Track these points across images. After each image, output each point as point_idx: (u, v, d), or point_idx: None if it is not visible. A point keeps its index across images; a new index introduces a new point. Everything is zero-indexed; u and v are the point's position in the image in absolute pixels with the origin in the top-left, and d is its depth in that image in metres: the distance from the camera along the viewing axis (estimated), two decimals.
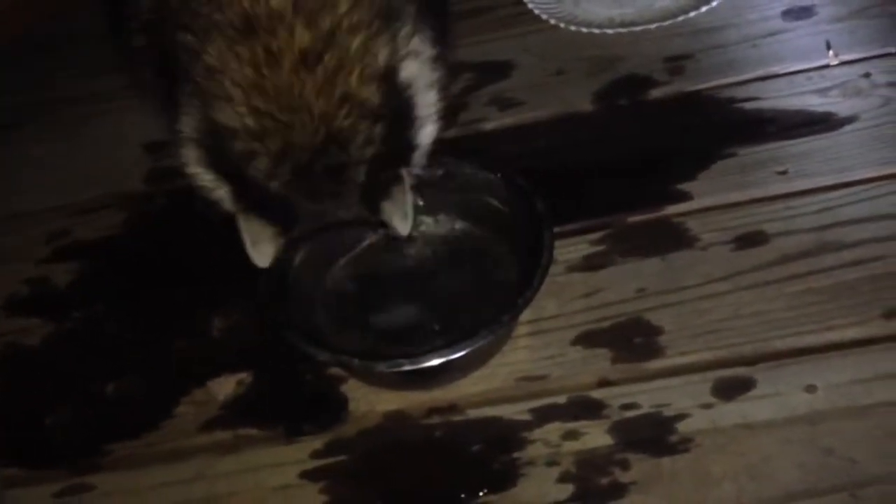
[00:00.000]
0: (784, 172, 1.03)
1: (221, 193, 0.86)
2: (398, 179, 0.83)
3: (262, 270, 0.95)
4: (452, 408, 0.92)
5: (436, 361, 0.87)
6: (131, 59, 1.00)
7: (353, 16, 0.80)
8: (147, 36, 0.94)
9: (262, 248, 0.84)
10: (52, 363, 1.05)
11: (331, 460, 0.91)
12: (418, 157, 0.87)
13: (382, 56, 0.81)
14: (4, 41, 1.38)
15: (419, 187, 0.89)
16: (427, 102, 0.86)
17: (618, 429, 0.87)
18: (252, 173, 0.81)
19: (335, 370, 0.97)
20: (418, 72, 0.85)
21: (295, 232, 0.84)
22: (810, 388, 0.85)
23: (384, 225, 0.85)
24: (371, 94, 0.80)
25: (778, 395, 0.86)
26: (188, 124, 0.85)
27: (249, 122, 0.80)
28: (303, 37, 0.79)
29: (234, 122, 0.80)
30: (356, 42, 0.80)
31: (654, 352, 0.92)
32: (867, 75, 1.10)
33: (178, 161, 0.87)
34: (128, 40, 0.96)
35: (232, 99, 0.80)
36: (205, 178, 0.87)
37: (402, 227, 0.84)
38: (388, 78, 0.82)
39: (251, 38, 0.79)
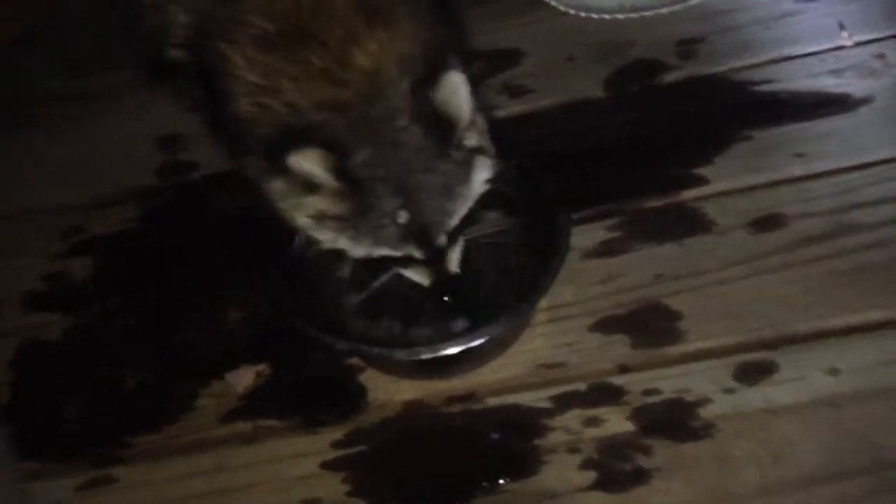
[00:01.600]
0: (801, 155, 1.02)
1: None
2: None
3: (278, 261, 0.95)
4: (471, 396, 0.92)
5: (454, 350, 0.87)
6: (157, 68, 1.00)
7: None
8: (188, 52, 0.93)
9: None
10: (71, 357, 1.06)
11: (351, 450, 0.91)
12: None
13: None
14: (13, 38, 1.38)
15: None
16: None
17: (639, 415, 0.87)
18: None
19: (353, 360, 0.97)
20: None
21: None
22: (833, 371, 0.85)
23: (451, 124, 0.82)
24: None
25: (800, 379, 0.85)
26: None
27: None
28: None
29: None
30: None
31: (674, 337, 0.91)
32: (881, 56, 1.09)
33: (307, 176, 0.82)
34: (157, 52, 0.96)
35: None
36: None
37: (465, 111, 0.81)
38: None
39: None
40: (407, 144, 0.81)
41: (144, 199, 1.18)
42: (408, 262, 0.86)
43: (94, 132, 1.27)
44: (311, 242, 0.92)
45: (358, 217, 0.81)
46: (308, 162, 0.78)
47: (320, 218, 0.83)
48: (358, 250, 0.84)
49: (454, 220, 0.85)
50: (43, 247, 1.16)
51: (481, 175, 0.86)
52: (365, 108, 0.80)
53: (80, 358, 1.05)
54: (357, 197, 0.81)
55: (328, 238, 0.85)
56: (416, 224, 0.82)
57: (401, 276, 0.90)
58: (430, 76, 0.81)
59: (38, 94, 1.34)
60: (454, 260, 0.87)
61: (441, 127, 0.82)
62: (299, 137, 0.78)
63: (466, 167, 0.84)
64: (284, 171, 0.81)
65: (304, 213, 0.84)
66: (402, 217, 0.81)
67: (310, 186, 0.81)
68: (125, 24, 1.02)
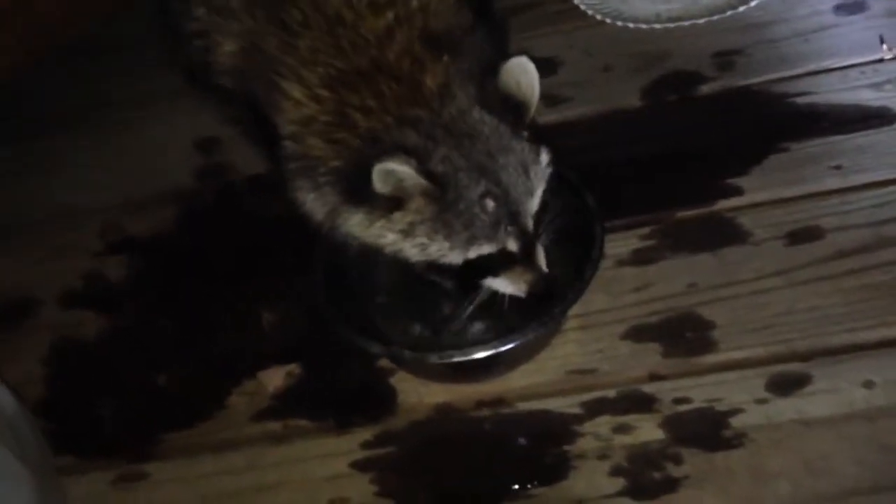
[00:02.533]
0: (839, 167, 1.01)
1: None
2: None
3: (314, 265, 0.96)
4: (501, 401, 0.92)
5: (486, 353, 0.87)
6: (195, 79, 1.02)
7: None
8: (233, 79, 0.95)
9: None
10: (107, 355, 1.07)
11: (380, 451, 0.91)
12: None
13: None
14: (58, 46, 1.41)
15: None
16: None
17: (670, 423, 0.86)
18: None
19: (384, 362, 0.97)
20: None
21: None
22: (868, 384, 0.84)
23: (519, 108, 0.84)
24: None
25: (835, 391, 0.84)
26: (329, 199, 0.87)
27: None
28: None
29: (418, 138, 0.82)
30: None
31: (707, 346, 0.91)
32: None
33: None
34: (203, 75, 0.98)
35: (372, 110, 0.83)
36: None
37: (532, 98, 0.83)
38: None
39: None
40: (482, 132, 0.83)
41: (182, 201, 1.20)
42: (503, 260, 0.85)
43: (133, 136, 1.29)
44: (345, 244, 0.93)
45: (448, 213, 0.82)
46: (394, 164, 0.78)
47: (409, 231, 0.83)
48: (453, 255, 0.83)
49: (536, 201, 0.85)
50: (81, 246, 1.18)
51: (546, 156, 0.87)
52: (437, 114, 0.82)
53: (115, 356, 1.07)
54: (444, 193, 0.81)
55: (419, 248, 0.84)
56: (504, 204, 0.82)
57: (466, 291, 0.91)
58: (493, 68, 0.83)
59: (81, 99, 1.36)
60: (542, 256, 0.87)
61: (512, 109, 0.84)
62: (379, 153, 0.79)
63: (536, 147, 0.86)
64: (363, 202, 0.83)
65: (391, 233, 0.84)
66: (490, 200, 0.82)
67: (394, 203, 0.82)
68: (173, 43, 1.04)
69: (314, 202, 0.89)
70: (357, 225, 0.85)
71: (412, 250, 0.84)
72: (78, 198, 1.24)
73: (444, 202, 0.81)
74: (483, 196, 0.81)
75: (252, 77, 0.91)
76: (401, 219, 0.83)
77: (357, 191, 0.82)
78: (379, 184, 0.79)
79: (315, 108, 0.85)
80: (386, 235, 0.84)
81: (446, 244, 0.83)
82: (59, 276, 1.16)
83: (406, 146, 0.80)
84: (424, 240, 0.83)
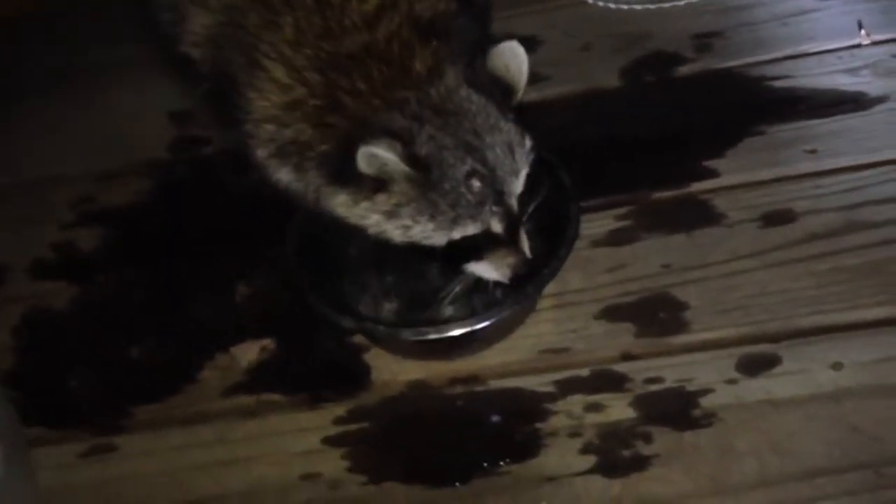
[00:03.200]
0: (813, 151, 1.02)
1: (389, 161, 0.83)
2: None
3: (289, 238, 0.96)
4: (475, 378, 0.92)
5: (460, 331, 0.87)
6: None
7: None
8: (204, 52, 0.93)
9: None
10: (78, 326, 1.06)
11: (353, 427, 0.91)
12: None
13: None
14: (28, 10, 1.38)
15: None
16: None
17: (641, 402, 0.87)
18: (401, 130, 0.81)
19: (358, 338, 0.97)
20: None
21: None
22: (836, 366, 0.85)
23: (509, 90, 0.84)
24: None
25: (803, 372, 0.85)
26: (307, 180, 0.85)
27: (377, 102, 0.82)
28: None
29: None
30: None
31: (679, 327, 0.91)
32: None
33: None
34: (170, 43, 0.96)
35: (359, 94, 0.82)
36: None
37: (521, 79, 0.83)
38: None
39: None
40: (469, 111, 0.82)
41: (156, 173, 1.19)
42: (487, 242, 0.84)
43: (106, 105, 1.27)
44: (320, 219, 0.93)
45: (433, 193, 0.81)
46: (378, 150, 0.77)
47: (393, 212, 0.82)
48: (437, 236, 0.83)
49: (521, 182, 0.84)
50: (52, 216, 1.17)
51: (530, 141, 0.87)
52: (425, 94, 0.81)
53: (86, 327, 1.06)
54: (429, 174, 0.80)
55: (402, 230, 0.83)
56: (490, 184, 0.81)
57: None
58: (481, 50, 0.83)
59: (57, 65, 1.34)
60: (526, 241, 0.87)
61: (501, 90, 0.83)
62: (365, 136, 0.79)
63: (521, 128, 0.86)
64: (348, 183, 0.82)
65: (375, 214, 0.83)
66: (476, 180, 0.81)
67: (379, 184, 0.81)
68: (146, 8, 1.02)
69: (297, 184, 0.87)
70: (341, 205, 0.84)
71: (395, 232, 0.84)
72: (47, 168, 1.22)
73: (428, 184, 0.80)
74: (469, 175, 0.81)
75: (227, 53, 0.89)
76: (385, 201, 0.82)
77: (342, 172, 0.81)
78: (363, 165, 0.79)
79: (303, 92, 0.83)
80: (370, 216, 0.83)
81: (430, 225, 0.82)
82: (30, 246, 1.14)
83: (392, 129, 0.80)
84: (408, 221, 0.83)
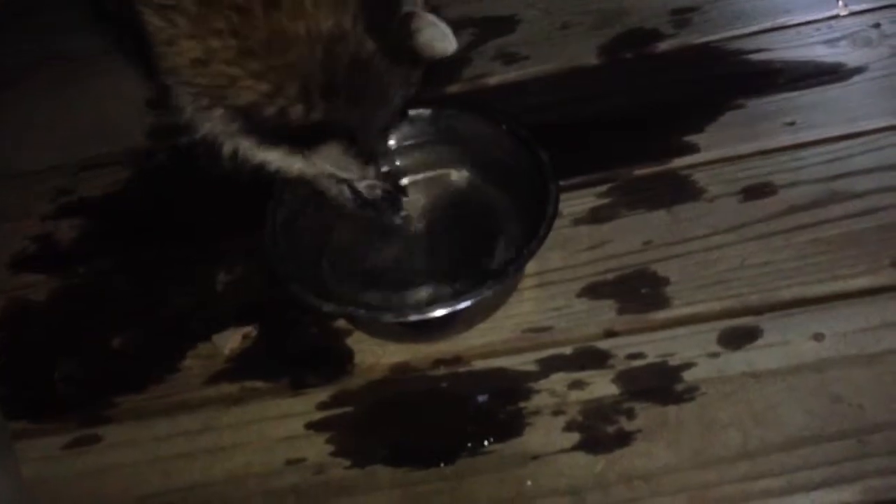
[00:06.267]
0: (792, 123, 1.02)
1: (287, 159, 0.87)
2: (408, 17, 0.80)
3: (267, 224, 0.95)
4: (458, 359, 0.92)
5: (441, 312, 0.87)
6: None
7: None
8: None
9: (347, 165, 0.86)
10: (59, 318, 1.05)
11: (337, 411, 0.91)
12: None
13: None
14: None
15: None
16: None
17: (623, 378, 0.87)
18: (295, 123, 0.81)
19: (340, 323, 0.97)
20: None
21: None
22: (818, 337, 0.85)
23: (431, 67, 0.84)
24: None
25: (785, 344, 0.85)
26: (216, 126, 0.85)
27: (262, 87, 0.80)
28: None
29: (252, 95, 0.81)
30: None
31: (661, 302, 0.91)
32: (877, 25, 1.09)
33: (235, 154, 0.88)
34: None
35: (236, 79, 0.80)
36: (269, 155, 0.87)
37: (449, 43, 0.81)
38: None
39: (216, 5, 0.78)
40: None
41: (135, 162, 1.18)
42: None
43: (82, 94, 1.26)
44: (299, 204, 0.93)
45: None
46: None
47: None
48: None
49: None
50: (31, 208, 1.16)
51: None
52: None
53: (67, 319, 1.05)
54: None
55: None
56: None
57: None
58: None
59: (30, 57, 1.33)
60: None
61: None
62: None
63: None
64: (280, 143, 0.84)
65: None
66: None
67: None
68: None
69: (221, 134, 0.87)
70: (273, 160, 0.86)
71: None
72: (24, 160, 1.21)
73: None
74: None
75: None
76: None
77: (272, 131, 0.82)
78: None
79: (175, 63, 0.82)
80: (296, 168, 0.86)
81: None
82: (9, 239, 1.13)
83: (294, 117, 0.80)
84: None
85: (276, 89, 0.80)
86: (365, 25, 0.80)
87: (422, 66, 0.84)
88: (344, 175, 0.89)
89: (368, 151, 0.86)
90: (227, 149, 0.88)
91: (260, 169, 0.90)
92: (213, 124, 0.85)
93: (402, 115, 0.91)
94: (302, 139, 0.82)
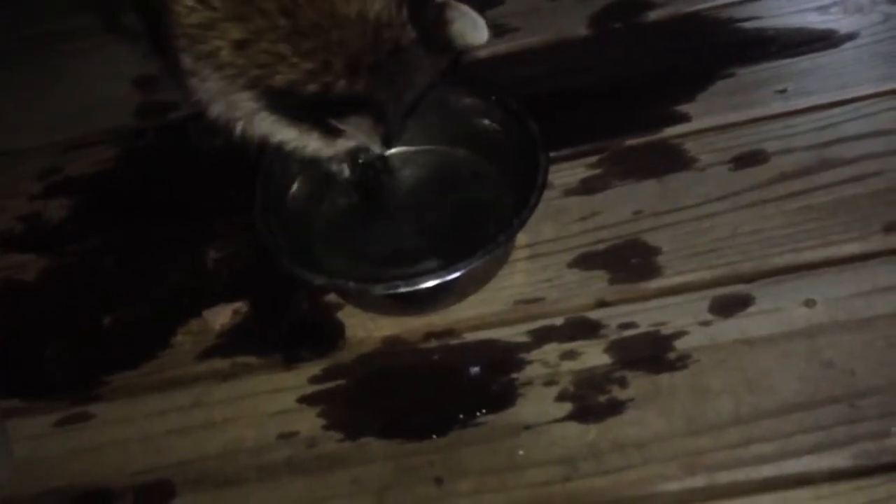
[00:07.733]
0: (784, 91, 1.01)
1: (305, 137, 0.86)
2: (442, 6, 0.81)
3: (257, 199, 0.94)
4: (450, 332, 0.92)
5: (432, 283, 0.86)
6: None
7: None
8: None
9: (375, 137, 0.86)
10: (49, 297, 1.05)
11: (329, 385, 0.91)
12: None
13: None
14: None
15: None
16: None
17: (615, 348, 0.87)
18: (336, 97, 0.81)
19: (332, 297, 0.96)
20: None
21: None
22: (809, 303, 0.85)
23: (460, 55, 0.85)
24: None
25: (777, 311, 0.85)
26: (238, 106, 0.84)
27: (307, 65, 0.80)
28: None
29: (295, 74, 0.80)
30: None
31: (652, 272, 0.91)
32: None
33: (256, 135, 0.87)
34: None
35: (284, 56, 0.80)
36: (289, 133, 0.86)
37: (481, 33, 0.82)
38: None
39: None
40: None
41: (123, 140, 1.17)
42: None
43: (70, 73, 1.25)
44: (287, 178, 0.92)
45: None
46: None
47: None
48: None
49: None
50: (19, 188, 1.15)
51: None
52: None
53: (57, 298, 1.05)
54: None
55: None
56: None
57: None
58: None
59: (15, 36, 1.31)
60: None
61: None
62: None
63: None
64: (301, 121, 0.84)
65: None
66: None
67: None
68: None
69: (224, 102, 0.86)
70: (288, 139, 0.86)
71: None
72: (12, 139, 1.20)
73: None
74: None
75: None
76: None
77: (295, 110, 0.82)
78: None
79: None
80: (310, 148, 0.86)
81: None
82: None
83: (336, 92, 0.80)
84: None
85: (323, 67, 0.80)
86: (408, 13, 0.80)
87: (450, 56, 0.84)
88: (367, 145, 0.87)
89: (392, 133, 0.85)
90: (241, 128, 0.87)
91: (271, 147, 0.89)
92: (234, 104, 0.85)
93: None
94: (335, 111, 0.82)
